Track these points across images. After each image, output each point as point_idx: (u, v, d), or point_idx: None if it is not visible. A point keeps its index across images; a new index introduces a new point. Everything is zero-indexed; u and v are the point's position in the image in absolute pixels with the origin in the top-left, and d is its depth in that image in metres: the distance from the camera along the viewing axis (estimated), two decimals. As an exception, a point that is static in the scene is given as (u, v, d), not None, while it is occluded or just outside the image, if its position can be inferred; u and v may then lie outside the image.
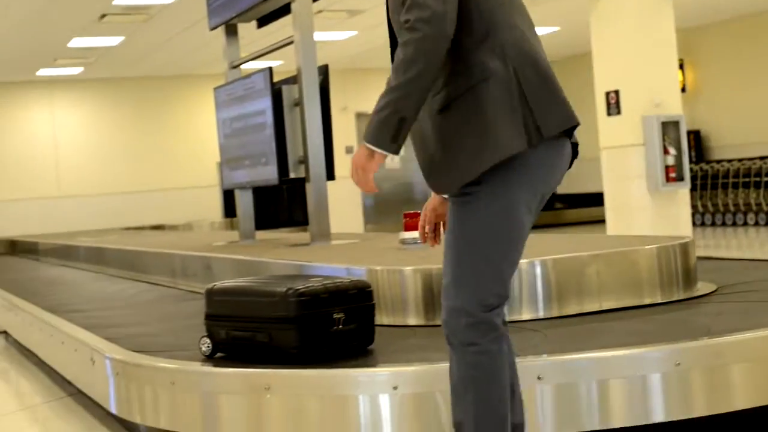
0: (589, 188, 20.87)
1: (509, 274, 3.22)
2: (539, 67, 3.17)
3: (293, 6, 8.00)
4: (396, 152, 3.09)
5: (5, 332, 9.37)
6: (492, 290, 3.17)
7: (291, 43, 8.07)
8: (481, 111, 3.10)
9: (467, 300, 3.15)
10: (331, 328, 4.27)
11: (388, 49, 3.35)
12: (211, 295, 4.63)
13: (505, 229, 3.16)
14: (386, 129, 3.04)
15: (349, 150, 20.45)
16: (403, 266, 5.38)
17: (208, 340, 4.60)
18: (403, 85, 3.03)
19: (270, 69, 8.10)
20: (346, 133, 20.83)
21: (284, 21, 8.49)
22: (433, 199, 3.50)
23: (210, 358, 4.59)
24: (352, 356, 4.35)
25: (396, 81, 3.04)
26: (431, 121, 3.18)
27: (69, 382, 6.41)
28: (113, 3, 13.87)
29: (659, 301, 5.45)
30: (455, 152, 3.14)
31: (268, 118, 8.11)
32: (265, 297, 4.37)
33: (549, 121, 3.13)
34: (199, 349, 4.64)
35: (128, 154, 21.05)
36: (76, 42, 16.62)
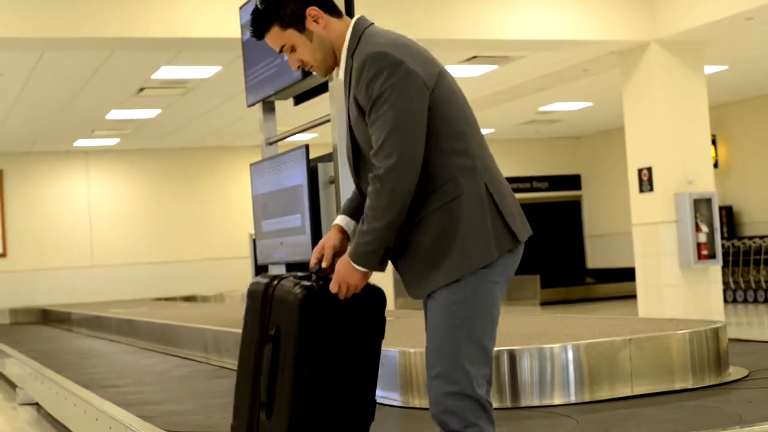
0: (620, 263, 20.86)
1: (492, 352, 3.40)
2: (503, 181, 3.40)
3: (330, 84, 8.09)
4: (383, 270, 3.36)
5: (37, 404, 9.42)
6: (481, 370, 3.33)
7: (328, 121, 8.15)
8: (454, 227, 3.29)
9: (464, 383, 3.29)
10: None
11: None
12: None
13: (487, 310, 3.34)
14: (374, 256, 3.30)
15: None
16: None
17: None
18: (384, 225, 3.25)
19: (307, 147, 8.16)
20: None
21: (320, 97, 8.58)
22: (332, 237, 3.55)
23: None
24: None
25: (375, 222, 3.25)
26: (406, 235, 3.34)
27: (102, 458, 6.45)
28: (152, 77, 14.05)
29: (691, 387, 5.46)
30: (430, 264, 3.33)
31: (304, 195, 8.16)
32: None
33: (520, 230, 3.37)
34: None
35: (161, 225, 21.20)
36: (114, 114, 16.84)
